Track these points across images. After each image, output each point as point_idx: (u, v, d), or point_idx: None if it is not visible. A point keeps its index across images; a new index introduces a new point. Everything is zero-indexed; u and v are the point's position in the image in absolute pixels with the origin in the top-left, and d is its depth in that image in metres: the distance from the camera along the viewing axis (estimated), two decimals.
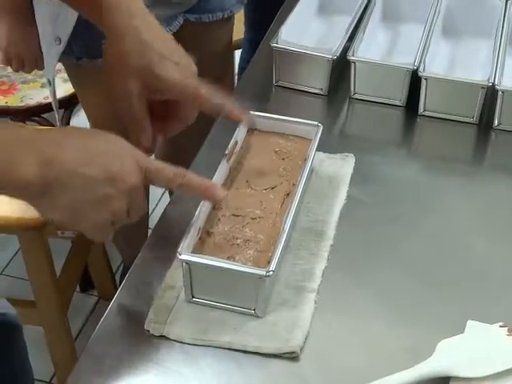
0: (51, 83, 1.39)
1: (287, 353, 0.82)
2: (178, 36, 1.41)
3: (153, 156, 0.88)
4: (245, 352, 0.82)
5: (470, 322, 0.83)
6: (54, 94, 1.43)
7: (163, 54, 0.87)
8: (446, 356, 0.80)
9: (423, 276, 0.92)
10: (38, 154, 0.70)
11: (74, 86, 1.55)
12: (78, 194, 0.72)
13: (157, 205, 2.17)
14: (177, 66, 0.88)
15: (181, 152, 1.23)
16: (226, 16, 1.50)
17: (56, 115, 1.51)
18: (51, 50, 1.31)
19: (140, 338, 0.84)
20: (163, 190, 2.05)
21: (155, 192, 1.83)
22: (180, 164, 1.12)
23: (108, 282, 1.98)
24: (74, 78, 1.49)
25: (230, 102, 0.92)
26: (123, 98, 0.87)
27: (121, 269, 2.05)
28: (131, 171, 0.76)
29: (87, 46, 1.35)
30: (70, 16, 1.24)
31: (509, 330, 0.82)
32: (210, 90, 0.89)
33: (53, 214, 0.74)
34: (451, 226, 0.99)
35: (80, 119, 2.15)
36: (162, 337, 0.84)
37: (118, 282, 2.00)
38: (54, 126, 1.96)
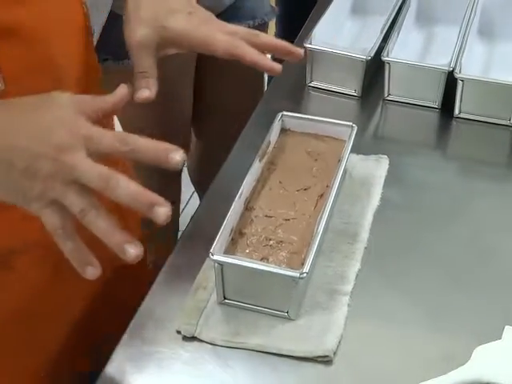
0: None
1: (320, 356, 0.81)
2: None
3: None
4: (277, 355, 0.81)
5: (507, 328, 0.82)
6: None
7: (172, 7, 0.87)
8: (483, 362, 0.78)
9: (459, 280, 0.90)
10: None
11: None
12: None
13: (186, 206, 2.17)
14: (189, 16, 0.87)
15: (214, 152, 1.22)
16: (256, 24, 1.49)
17: None
18: None
19: (172, 339, 0.83)
20: (192, 191, 2.04)
21: (184, 193, 1.83)
22: (213, 164, 1.11)
23: None
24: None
25: (249, 47, 0.87)
26: (131, 45, 0.86)
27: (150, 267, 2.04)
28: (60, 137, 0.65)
29: (113, 48, 1.34)
30: (103, 7, 1.23)
31: None
32: (228, 36, 0.87)
33: None
34: (487, 230, 0.97)
35: None
36: (194, 338, 0.83)
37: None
38: None
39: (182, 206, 2.11)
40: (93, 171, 0.63)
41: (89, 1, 1.23)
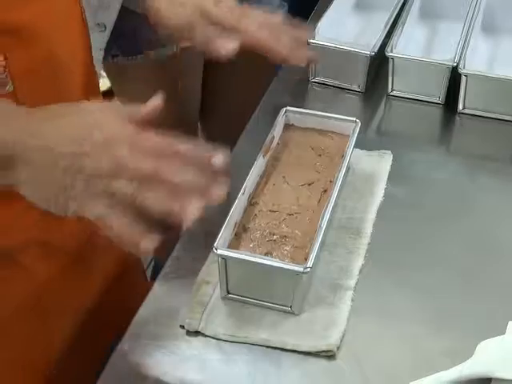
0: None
1: (324, 351, 0.81)
2: None
3: None
4: (281, 349, 0.81)
5: (511, 323, 0.81)
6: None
7: None
8: (487, 357, 0.78)
9: (462, 276, 0.90)
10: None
11: (111, 83, 1.54)
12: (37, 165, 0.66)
13: None
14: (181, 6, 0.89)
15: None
16: None
17: None
18: (95, 37, 1.29)
19: (175, 334, 0.83)
20: None
21: None
22: None
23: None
24: (110, 75, 1.49)
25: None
26: None
27: (152, 264, 2.04)
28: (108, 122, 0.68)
29: (123, 44, 1.34)
30: (114, 3, 1.23)
31: None
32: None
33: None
34: (491, 226, 0.97)
35: None
36: (198, 333, 0.83)
37: (148, 277, 1.99)
38: None
39: None
40: (141, 166, 0.64)
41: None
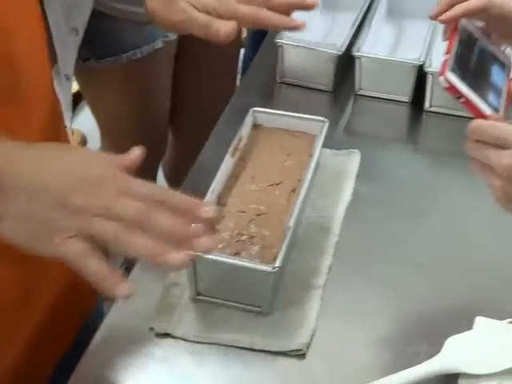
0: (69, 78, 1.33)
1: (294, 350, 0.81)
2: (185, 38, 1.40)
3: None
4: (251, 350, 0.81)
5: (478, 319, 0.82)
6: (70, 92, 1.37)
7: None
8: (455, 352, 0.79)
9: (430, 272, 0.91)
10: None
11: (80, 87, 1.52)
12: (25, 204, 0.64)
13: None
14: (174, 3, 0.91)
15: (189, 150, 1.21)
16: None
17: (66, 116, 1.45)
18: (68, 42, 1.28)
19: (145, 336, 0.83)
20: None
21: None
22: (188, 163, 1.11)
23: None
24: (80, 78, 1.47)
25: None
26: None
27: (123, 268, 2.04)
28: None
29: (94, 48, 1.33)
30: (85, 6, 1.22)
31: None
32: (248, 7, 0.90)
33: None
34: (458, 222, 0.98)
35: (79, 121, 2.14)
36: (167, 335, 0.83)
37: None
38: None
39: None
40: (129, 206, 0.63)
41: (71, 0, 1.21)
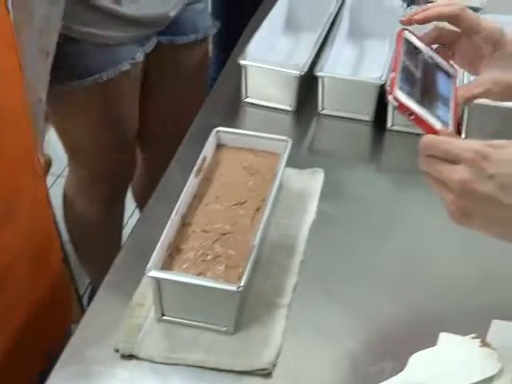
0: (42, 101, 1.31)
1: (259, 369, 0.81)
2: (152, 57, 1.40)
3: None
4: (217, 370, 0.81)
5: (442, 335, 0.83)
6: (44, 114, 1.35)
7: None
8: (419, 369, 0.79)
9: (394, 290, 0.91)
10: None
11: (46, 111, 1.50)
12: None
13: (128, 221, 2.14)
14: None
15: (158, 171, 1.21)
16: (199, 38, 1.50)
17: (41, 138, 1.42)
18: (40, 66, 1.27)
19: (110, 358, 0.82)
20: (135, 205, 2.01)
21: (127, 207, 1.81)
22: (154, 180, 1.11)
23: (75, 305, 1.95)
24: (46, 101, 1.46)
25: None
26: None
27: (88, 291, 2.02)
28: None
29: (59, 70, 1.32)
30: (54, 28, 1.21)
31: (481, 342, 0.81)
32: None
33: None
34: (420, 239, 0.99)
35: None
36: (132, 356, 0.82)
37: (85, 304, 1.96)
38: None
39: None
40: None
41: (40, 24, 1.21)
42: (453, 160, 0.73)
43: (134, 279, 0.89)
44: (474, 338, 0.82)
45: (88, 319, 0.87)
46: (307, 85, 1.23)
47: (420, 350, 0.81)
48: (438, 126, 0.76)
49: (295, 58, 1.27)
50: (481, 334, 0.82)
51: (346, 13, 1.35)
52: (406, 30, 0.87)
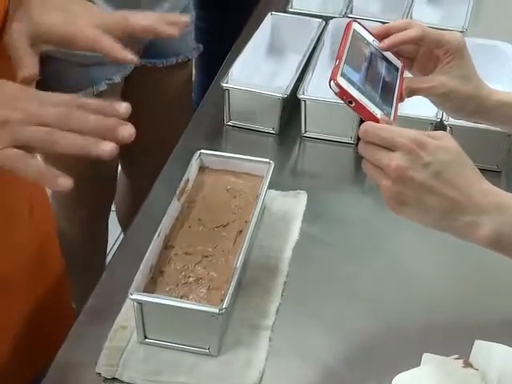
0: None
1: None
2: (132, 80, 1.41)
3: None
4: None
5: (425, 355, 0.83)
6: None
7: (47, 4, 0.87)
8: None
9: (377, 311, 0.91)
10: None
11: None
12: None
13: (113, 245, 2.13)
14: (64, 13, 0.87)
15: (138, 191, 1.21)
16: (179, 61, 1.50)
17: None
18: None
19: (93, 381, 0.82)
20: (119, 231, 2.00)
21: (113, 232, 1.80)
22: (136, 202, 1.11)
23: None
24: None
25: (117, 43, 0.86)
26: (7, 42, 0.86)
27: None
28: None
29: (44, 89, 1.32)
30: None
31: (464, 362, 0.81)
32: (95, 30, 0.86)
33: None
34: (403, 261, 0.99)
35: None
36: (115, 379, 0.82)
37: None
38: None
39: (108, 247, 2.08)
40: (51, 112, 0.68)
41: None
42: (391, 147, 0.75)
43: (117, 302, 0.89)
44: (456, 358, 0.82)
45: (70, 342, 0.87)
46: (290, 107, 1.23)
47: (404, 370, 0.81)
48: (378, 114, 0.78)
49: (278, 81, 1.27)
50: (464, 354, 0.82)
51: (327, 37, 1.35)
52: (356, 21, 0.89)
